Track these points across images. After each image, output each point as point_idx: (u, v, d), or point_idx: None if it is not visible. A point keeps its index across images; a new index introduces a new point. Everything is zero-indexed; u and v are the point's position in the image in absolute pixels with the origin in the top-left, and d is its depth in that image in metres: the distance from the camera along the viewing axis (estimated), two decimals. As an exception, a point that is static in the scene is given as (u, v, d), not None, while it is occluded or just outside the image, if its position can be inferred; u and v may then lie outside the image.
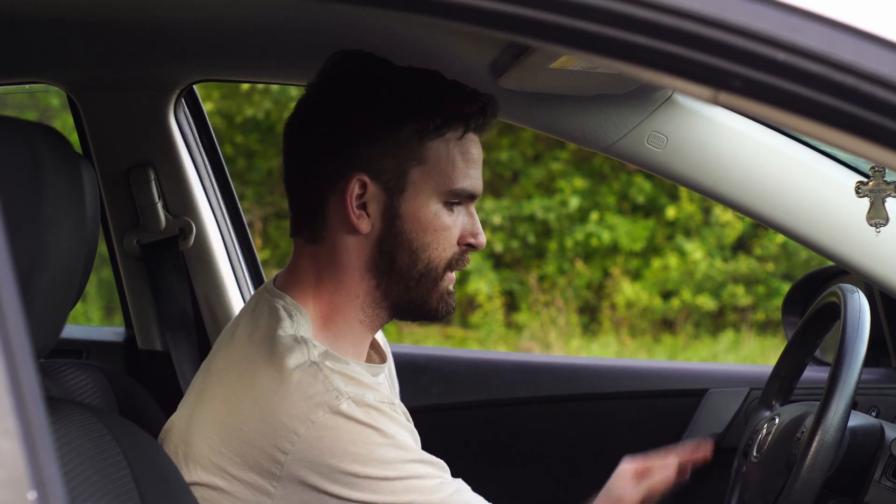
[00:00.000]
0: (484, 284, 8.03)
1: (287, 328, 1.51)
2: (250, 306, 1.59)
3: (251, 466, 1.43)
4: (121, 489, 1.20)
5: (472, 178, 1.59)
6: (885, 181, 1.68)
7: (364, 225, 1.55)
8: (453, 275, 1.61)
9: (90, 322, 7.14)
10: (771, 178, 1.90)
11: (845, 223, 1.87)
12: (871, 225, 1.68)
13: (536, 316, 8.07)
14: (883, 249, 1.84)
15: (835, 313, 1.81)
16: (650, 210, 8.31)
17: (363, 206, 1.55)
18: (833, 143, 0.98)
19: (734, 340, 7.79)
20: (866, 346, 1.68)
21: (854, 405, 1.84)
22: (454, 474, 1.53)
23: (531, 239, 8.22)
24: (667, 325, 8.11)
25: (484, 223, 8.18)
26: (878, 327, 2.10)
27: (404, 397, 1.95)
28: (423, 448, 1.51)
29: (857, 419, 1.73)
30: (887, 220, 1.68)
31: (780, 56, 0.89)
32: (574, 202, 8.09)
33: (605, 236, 8.07)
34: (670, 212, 8.08)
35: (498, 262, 8.31)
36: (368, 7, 1.02)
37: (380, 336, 1.88)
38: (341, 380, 1.45)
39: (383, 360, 1.71)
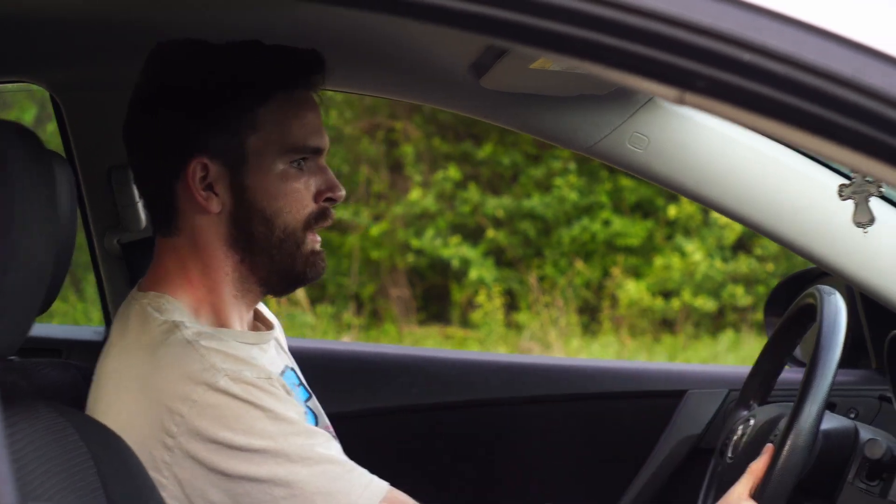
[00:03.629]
0: (486, 272, 8.01)
1: (158, 319, 1.53)
2: (118, 316, 1.60)
3: (148, 463, 1.42)
4: (86, 488, 1.19)
5: (309, 132, 1.60)
6: (867, 180, 1.66)
7: (214, 205, 1.57)
8: (316, 236, 1.62)
9: (90, 322, 7.12)
10: (753, 179, 1.90)
11: (827, 225, 1.86)
12: (857, 226, 1.66)
13: (536, 316, 8.03)
14: (863, 251, 1.84)
15: (812, 315, 1.80)
16: (648, 211, 8.29)
17: (210, 187, 1.57)
18: (798, 144, 0.98)
19: (734, 340, 7.76)
20: (841, 350, 1.67)
21: (832, 407, 1.84)
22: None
23: (531, 233, 8.19)
24: (667, 325, 8.08)
25: (485, 219, 8.19)
26: (859, 328, 2.09)
27: (396, 398, 1.95)
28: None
29: (832, 421, 1.72)
30: (873, 220, 1.65)
31: (746, 56, 0.89)
32: (572, 196, 8.08)
33: (601, 232, 8.05)
34: (671, 211, 8.05)
35: (499, 259, 8.28)
36: (352, 8, 1.02)
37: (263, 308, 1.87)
38: (218, 357, 1.47)
39: (269, 328, 1.71)
